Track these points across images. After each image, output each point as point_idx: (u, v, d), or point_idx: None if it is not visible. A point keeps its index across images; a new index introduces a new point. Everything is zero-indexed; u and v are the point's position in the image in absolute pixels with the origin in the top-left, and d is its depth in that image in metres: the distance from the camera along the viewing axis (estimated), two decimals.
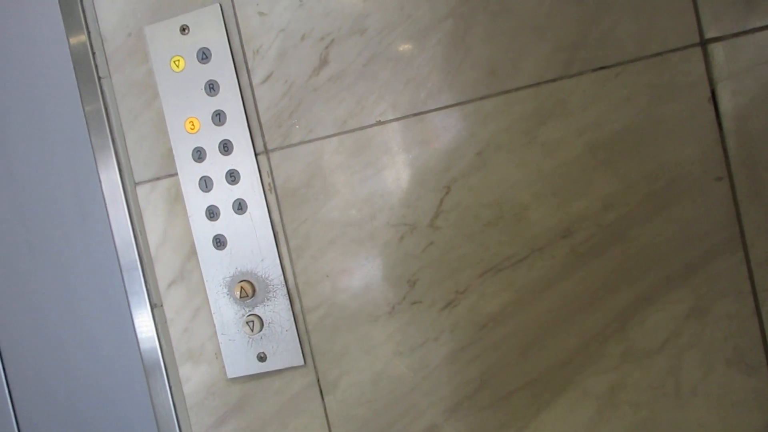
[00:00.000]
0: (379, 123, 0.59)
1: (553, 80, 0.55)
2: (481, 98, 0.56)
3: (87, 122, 0.66)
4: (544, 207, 0.56)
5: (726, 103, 0.52)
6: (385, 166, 0.59)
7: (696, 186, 0.53)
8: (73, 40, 0.65)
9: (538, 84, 0.55)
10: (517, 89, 0.56)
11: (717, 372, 0.54)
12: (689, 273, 0.54)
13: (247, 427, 0.64)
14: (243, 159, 0.62)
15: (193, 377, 0.65)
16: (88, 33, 0.65)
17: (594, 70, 0.54)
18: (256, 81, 0.61)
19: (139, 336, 0.66)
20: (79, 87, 0.66)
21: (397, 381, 0.61)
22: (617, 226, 0.55)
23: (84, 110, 0.66)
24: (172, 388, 0.66)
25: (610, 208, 0.55)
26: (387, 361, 0.61)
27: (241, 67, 0.61)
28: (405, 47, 0.57)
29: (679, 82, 0.53)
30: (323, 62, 0.59)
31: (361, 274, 0.60)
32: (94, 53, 0.65)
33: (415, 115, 0.58)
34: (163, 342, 0.66)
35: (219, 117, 0.62)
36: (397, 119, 0.58)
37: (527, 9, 0.55)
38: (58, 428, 0.71)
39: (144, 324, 0.66)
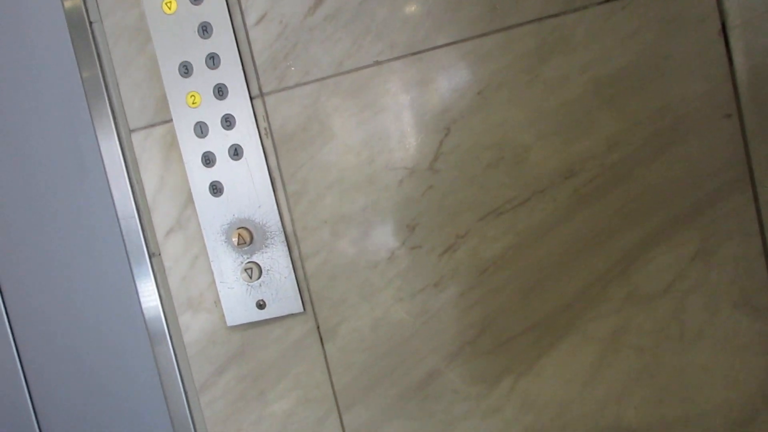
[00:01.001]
0: (377, 63, 0.61)
1: (556, 15, 0.57)
2: (481, 35, 0.58)
3: (79, 69, 0.68)
4: (547, 147, 0.58)
5: (737, 36, 0.53)
6: (383, 108, 0.61)
7: (704, 124, 0.55)
8: None
9: (540, 19, 0.57)
10: (519, 25, 0.57)
11: (722, 315, 0.57)
12: (695, 214, 0.56)
13: (247, 375, 0.68)
14: (238, 103, 0.64)
15: (193, 326, 0.69)
16: None
17: (599, 3, 0.56)
18: (250, 22, 0.63)
19: (138, 286, 0.70)
20: (70, 32, 0.68)
21: (398, 327, 0.64)
22: (622, 166, 0.57)
23: (76, 57, 0.68)
24: (173, 337, 0.70)
25: (614, 148, 0.57)
26: (387, 307, 0.64)
27: (234, 7, 0.63)
28: None
29: (688, 15, 0.54)
30: (318, 1, 0.61)
31: (359, 219, 0.63)
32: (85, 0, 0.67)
33: (413, 54, 0.60)
34: (162, 291, 0.69)
35: (213, 60, 0.64)
36: (395, 59, 0.60)
37: None
38: (62, 379, 0.75)
39: (142, 273, 0.69)
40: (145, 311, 0.69)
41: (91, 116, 0.69)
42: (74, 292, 0.73)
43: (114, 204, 0.69)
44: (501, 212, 0.60)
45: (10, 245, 0.74)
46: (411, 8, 0.59)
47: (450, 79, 0.59)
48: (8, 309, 0.76)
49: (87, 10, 0.67)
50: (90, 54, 0.68)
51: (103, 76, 0.68)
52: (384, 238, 0.63)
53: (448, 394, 0.64)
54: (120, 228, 0.70)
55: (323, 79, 0.62)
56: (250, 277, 0.65)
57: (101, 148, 0.69)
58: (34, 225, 0.73)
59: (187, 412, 0.71)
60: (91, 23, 0.67)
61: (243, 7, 0.63)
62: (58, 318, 0.75)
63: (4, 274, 0.75)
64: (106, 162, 0.69)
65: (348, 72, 0.61)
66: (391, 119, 0.61)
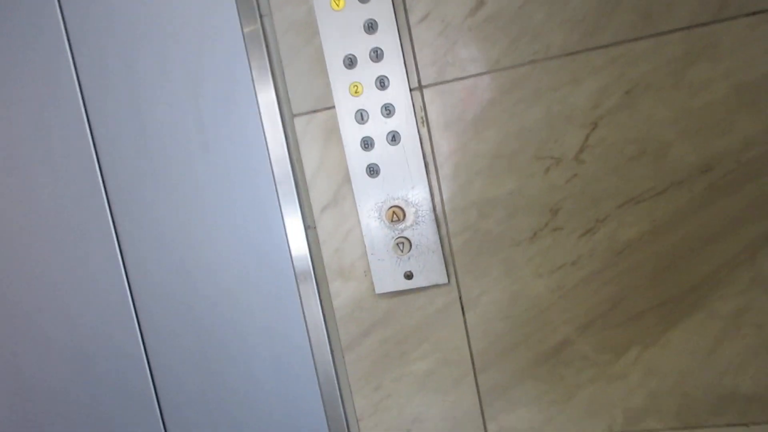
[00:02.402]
0: (532, 62, 0.74)
1: (705, 24, 0.69)
2: (634, 40, 0.71)
3: (248, 58, 0.83)
4: (687, 144, 0.71)
5: None
6: (534, 102, 0.74)
7: None
8: None
9: (690, 27, 0.69)
10: (670, 32, 0.70)
11: None
12: None
13: (391, 338, 0.84)
14: (398, 94, 0.78)
15: (342, 292, 0.85)
16: None
17: (747, 15, 0.68)
18: (413, 20, 0.77)
19: (293, 255, 0.85)
20: (241, 24, 0.83)
21: (535, 299, 0.79)
22: (756, 163, 0.70)
23: (246, 47, 0.83)
24: (323, 302, 0.86)
25: (750, 146, 0.70)
26: (526, 282, 0.79)
27: (399, 6, 0.77)
28: None
29: None
30: (480, 3, 0.74)
31: (506, 202, 0.77)
32: None
33: (567, 54, 0.73)
34: (315, 260, 0.85)
35: (376, 54, 0.78)
36: (550, 58, 0.73)
37: None
38: (204, 342, 0.92)
39: (298, 244, 0.85)
40: (298, 278, 0.85)
41: (257, 101, 0.83)
42: (232, 261, 0.90)
43: (275, 181, 0.85)
44: (640, 201, 0.73)
45: (171, 217, 0.90)
46: (568, 12, 0.72)
47: (600, 79, 0.72)
48: (132, 286, 0.92)
49: (258, 4, 0.81)
50: (259, 44, 0.82)
51: (271, 65, 0.82)
52: (528, 219, 0.77)
53: (577, 360, 0.79)
54: (279, 202, 0.85)
55: (480, 74, 0.76)
56: (402, 251, 0.81)
57: (265, 130, 0.84)
58: (200, 197, 0.89)
59: (333, 368, 0.87)
60: (261, 16, 0.82)
61: (408, 6, 0.76)
62: (213, 286, 0.91)
63: (166, 250, 0.91)
64: (269, 142, 0.84)
65: (504, 69, 0.75)
66: (542, 113, 0.74)
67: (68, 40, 0.90)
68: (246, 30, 0.81)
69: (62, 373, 0.99)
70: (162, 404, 0.96)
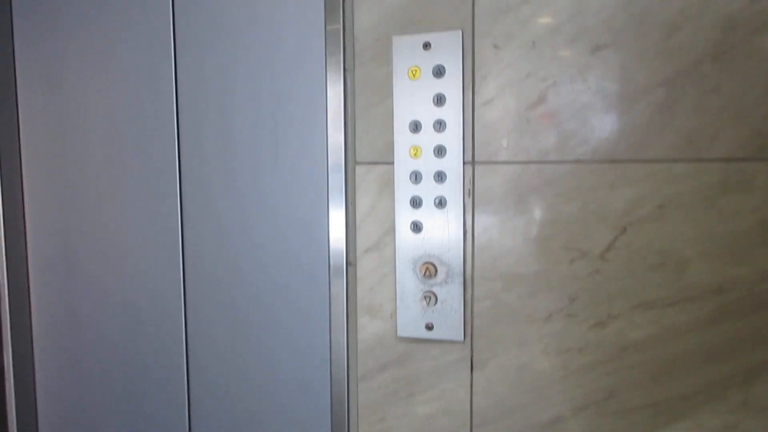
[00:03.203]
0: (578, 162, 0.85)
1: (744, 159, 0.79)
2: (675, 161, 0.81)
3: (327, 104, 0.98)
4: (706, 264, 0.81)
5: None
6: (573, 198, 0.86)
7: None
8: (330, 28, 0.96)
9: (729, 160, 0.79)
10: (710, 160, 0.80)
11: None
12: None
13: (402, 378, 0.97)
14: (452, 164, 0.91)
15: (367, 327, 0.98)
16: (344, 30, 0.95)
17: None
18: (478, 102, 0.89)
19: (331, 286, 0.99)
20: (326, 75, 0.97)
21: (539, 374, 0.90)
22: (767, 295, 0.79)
23: (326, 94, 0.97)
24: (349, 332, 1.00)
25: (766, 280, 0.79)
26: (534, 356, 0.90)
27: (468, 87, 0.89)
28: (617, 102, 0.82)
29: None
30: (540, 99, 0.86)
31: (530, 281, 0.89)
32: (344, 48, 0.96)
33: (611, 162, 0.84)
34: (350, 294, 0.99)
35: (440, 125, 0.91)
36: (595, 162, 0.84)
37: (737, 93, 0.78)
38: (235, 354, 1.08)
39: (338, 277, 0.99)
40: (332, 308, 0.99)
41: (327, 146, 0.98)
42: (276, 293, 1.05)
43: (328, 218, 0.99)
44: (651, 307, 0.84)
45: (239, 216, 1.06)
46: (620, 124, 0.83)
47: (637, 189, 0.83)
48: (188, 309, 1.08)
49: (344, 59, 0.96)
50: (338, 95, 0.97)
51: (345, 115, 0.96)
52: (546, 301, 0.88)
53: None
54: (328, 234, 0.99)
55: (528, 162, 0.87)
56: (428, 303, 0.93)
57: (329, 172, 0.98)
58: (257, 236, 1.04)
59: (346, 393, 1.01)
60: (345, 70, 0.96)
61: (476, 89, 0.89)
62: (247, 314, 1.06)
63: (216, 270, 1.07)
64: (330, 184, 0.98)
65: (551, 162, 0.86)
66: (578, 209, 0.85)
67: (175, 63, 1.07)
68: (329, 80, 0.96)
69: (113, 333, 1.17)
70: (191, 397, 1.12)
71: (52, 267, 1.20)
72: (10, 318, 1.21)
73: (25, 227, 1.22)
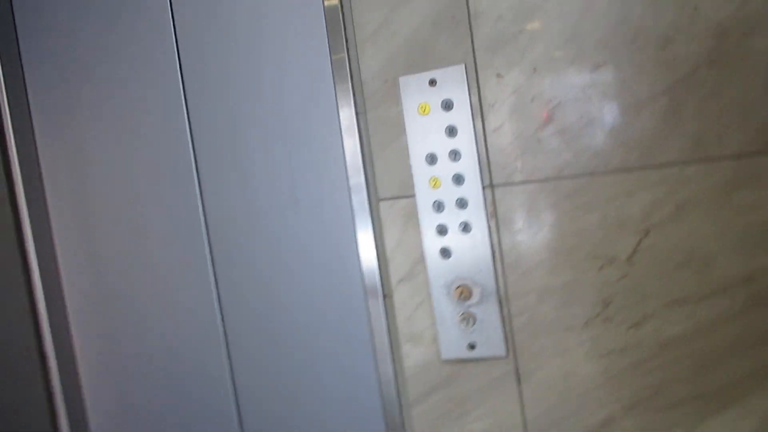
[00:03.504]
0: (593, 174, 0.90)
1: (753, 154, 0.83)
2: (685, 163, 0.86)
3: (343, 149, 1.03)
4: (731, 257, 0.85)
5: None
6: (592, 209, 0.90)
7: None
8: (338, 75, 1.01)
9: (738, 156, 0.83)
10: (719, 158, 0.84)
11: None
12: None
13: (452, 398, 1.02)
14: (472, 190, 0.96)
15: (412, 354, 1.03)
16: (351, 77, 1.01)
17: None
18: (489, 129, 0.94)
19: (372, 322, 1.05)
20: (339, 119, 1.03)
21: (585, 379, 0.94)
22: None
23: (342, 138, 1.03)
24: (395, 361, 1.05)
25: None
26: (577, 363, 0.94)
27: (477, 116, 0.94)
28: (622, 114, 0.86)
29: None
30: (549, 119, 0.91)
31: (562, 291, 0.93)
32: (354, 93, 1.01)
33: (624, 170, 0.88)
34: (390, 325, 1.04)
35: (455, 155, 0.96)
36: (609, 172, 0.89)
37: (737, 93, 0.82)
38: (282, 390, 1.13)
39: (375, 308, 1.05)
40: (375, 340, 1.04)
41: (349, 188, 1.03)
42: (318, 327, 1.10)
43: (359, 255, 1.04)
44: (684, 303, 0.88)
45: (267, 255, 1.12)
46: (627, 134, 0.87)
47: (653, 194, 0.87)
48: (230, 347, 1.14)
49: (356, 104, 1.01)
50: (353, 136, 1.02)
51: (362, 155, 1.02)
52: (581, 309, 0.93)
53: None
54: (361, 271, 1.05)
55: (545, 180, 0.92)
56: (467, 324, 0.98)
57: (354, 210, 1.03)
58: (290, 250, 1.10)
59: (400, 420, 1.06)
60: (357, 114, 1.01)
61: (485, 116, 0.94)
62: (293, 347, 1.12)
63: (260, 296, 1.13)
64: (356, 220, 1.04)
65: (567, 178, 0.91)
66: (598, 219, 0.90)
67: (187, 109, 1.14)
68: (343, 123, 1.01)
69: (156, 366, 1.23)
70: (244, 426, 1.19)
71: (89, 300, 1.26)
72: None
73: (58, 270, 1.29)
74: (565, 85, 0.87)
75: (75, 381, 1.30)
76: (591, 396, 0.92)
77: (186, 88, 1.13)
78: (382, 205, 0.99)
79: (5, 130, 1.24)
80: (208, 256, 1.15)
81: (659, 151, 0.83)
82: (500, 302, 0.94)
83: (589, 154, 0.87)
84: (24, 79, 1.25)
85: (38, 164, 1.26)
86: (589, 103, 0.86)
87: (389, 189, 0.99)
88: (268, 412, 1.16)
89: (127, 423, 1.28)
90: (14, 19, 1.24)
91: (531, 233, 0.91)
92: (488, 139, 0.92)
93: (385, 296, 1.02)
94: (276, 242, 1.10)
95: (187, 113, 1.13)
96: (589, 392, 0.92)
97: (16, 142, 1.23)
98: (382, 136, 0.98)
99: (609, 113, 0.85)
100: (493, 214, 0.93)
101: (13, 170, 1.23)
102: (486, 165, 0.93)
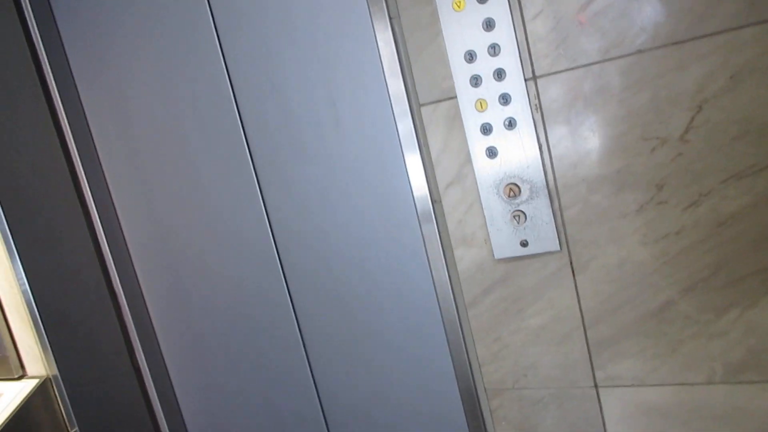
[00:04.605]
0: (639, 52, 0.89)
1: None
2: (740, 27, 0.84)
3: (380, 56, 1.04)
4: None
5: None
6: (642, 89, 0.90)
7: None
8: None
9: None
10: None
11: None
12: None
13: (509, 296, 1.06)
14: (514, 84, 0.97)
15: (465, 257, 1.07)
16: None
17: None
18: (528, 17, 0.94)
19: (422, 225, 1.08)
20: (373, 26, 1.04)
21: (640, 265, 0.96)
22: None
23: (377, 46, 1.04)
24: (448, 266, 1.09)
25: None
26: (632, 249, 0.96)
27: (514, 5, 0.94)
28: None
29: None
30: (589, 0, 0.90)
31: (613, 179, 0.94)
32: None
33: (674, 44, 0.87)
34: (441, 230, 1.08)
35: (494, 49, 0.97)
36: (657, 47, 0.88)
37: None
38: (339, 305, 1.19)
39: (426, 216, 1.08)
40: (427, 245, 1.08)
41: (389, 96, 1.05)
42: (370, 240, 1.15)
43: (405, 163, 1.07)
44: (742, 176, 0.88)
45: (313, 180, 1.16)
46: (674, 4, 0.85)
47: (705, 65, 0.86)
48: (285, 267, 1.20)
49: (387, 7, 1.02)
50: (389, 43, 1.03)
51: (400, 62, 1.03)
52: (634, 194, 0.94)
53: (680, 319, 0.96)
54: (409, 180, 1.08)
55: (590, 65, 0.92)
56: (518, 222, 1.01)
57: (396, 119, 1.06)
58: (334, 170, 1.14)
59: (458, 322, 1.11)
60: (390, 18, 1.02)
61: (522, 4, 0.93)
62: (350, 255, 1.17)
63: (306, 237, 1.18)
64: (400, 129, 1.06)
65: (613, 59, 0.90)
66: (648, 98, 0.90)
67: (219, 42, 1.17)
68: (377, 30, 1.02)
69: (222, 309, 1.32)
70: (307, 347, 1.27)
71: (161, 280, 1.35)
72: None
73: (124, 238, 1.37)
74: None
75: (145, 315, 1.40)
76: (647, 281, 0.95)
77: (216, 18, 1.15)
78: (424, 110, 1.01)
79: (47, 80, 1.30)
80: (257, 186, 1.20)
81: (710, 19, 0.82)
82: (550, 196, 0.96)
83: (634, 32, 0.86)
84: (59, 31, 1.29)
85: (83, 109, 1.32)
86: None
87: (430, 93, 1.00)
88: (326, 325, 1.23)
89: (195, 348, 1.38)
90: None
91: (578, 122, 0.92)
92: (527, 29, 0.92)
93: (434, 202, 1.05)
94: (320, 163, 1.14)
95: (220, 44, 1.16)
96: (645, 278, 0.95)
97: (59, 92, 1.28)
98: (417, 39, 0.99)
99: None
100: (537, 106, 0.94)
101: (60, 118, 1.30)
102: (527, 56, 0.93)
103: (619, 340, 0.98)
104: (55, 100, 1.28)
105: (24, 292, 1.21)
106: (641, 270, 0.94)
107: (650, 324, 0.95)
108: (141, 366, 1.41)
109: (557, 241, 0.97)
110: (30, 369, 1.30)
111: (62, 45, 1.29)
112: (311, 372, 1.27)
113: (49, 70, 1.27)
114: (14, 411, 1.16)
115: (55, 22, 1.30)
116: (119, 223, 1.36)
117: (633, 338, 0.97)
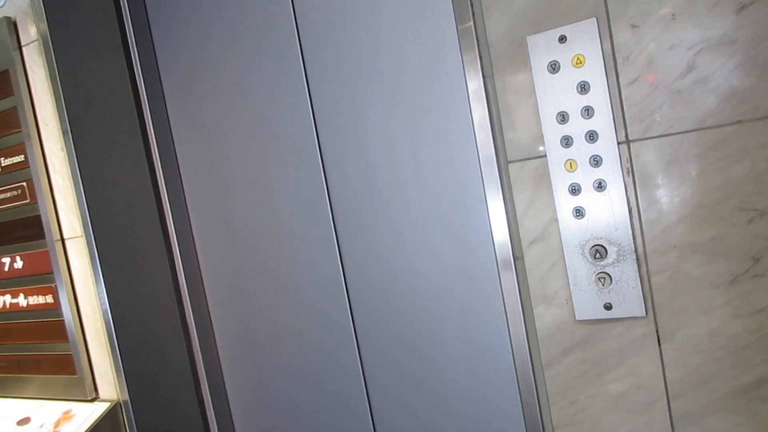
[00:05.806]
0: (739, 122, 0.91)
1: None
2: None
3: (471, 113, 1.09)
4: None
5: None
6: (740, 159, 0.91)
7: None
8: (464, 41, 1.07)
9: None
10: None
11: None
12: None
13: (588, 360, 1.06)
14: (606, 147, 0.99)
15: (545, 316, 1.08)
16: (477, 40, 1.07)
17: None
18: (623, 82, 0.97)
19: (502, 282, 1.11)
20: (466, 82, 1.09)
21: (732, 338, 0.96)
22: None
23: (469, 102, 1.09)
24: (527, 323, 1.10)
25: None
26: (724, 321, 0.96)
27: (611, 70, 0.97)
28: None
29: None
30: (690, 68, 0.93)
31: (707, 248, 0.95)
32: (480, 56, 1.07)
33: None
34: (521, 287, 1.10)
35: (587, 111, 1.00)
36: (758, 119, 0.90)
37: None
38: (405, 345, 1.21)
39: (506, 274, 1.10)
40: (506, 301, 1.10)
41: (477, 152, 1.09)
42: (445, 293, 1.18)
43: (488, 218, 1.10)
44: None
45: (388, 227, 1.20)
46: None
47: None
48: (348, 288, 1.23)
49: (482, 66, 1.07)
50: (480, 99, 1.08)
51: (490, 118, 1.08)
52: (728, 265, 0.94)
53: None
54: (491, 236, 1.11)
55: (686, 132, 0.94)
56: (602, 284, 1.02)
57: (483, 174, 1.10)
58: (411, 217, 1.18)
59: (533, 381, 1.11)
60: (484, 77, 1.07)
61: (619, 70, 0.97)
62: (414, 313, 1.20)
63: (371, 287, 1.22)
64: (485, 185, 1.10)
65: (710, 128, 0.92)
66: (747, 169, 0.91)
67: (309, 90, 1.25)
68: (470, 87, 1.08)
69: (288, 351, 1.36)
70: (372, 399, 1.29)
71: (229, 300, 1.41)
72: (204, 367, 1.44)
73: (201, 274, 1.45)
74: (707, 30, 0.89)
75: (214, 352, 1.47)
76: (740, 356, 0.94)
77: (306, 66, 1.24)
78: (512, 167, 1.05)
79: (146, 121, 1.41)
80: (333, 231, 1.26)
81: None
82: (638, 261, 0.98)
83: (734, 102, 0.88)
84: (155, 52, 1.41)
85: (174, 147, 1.43)
86: (734, 47, 0.87)
87: (518, 151, 1.04)
88: (394, 379, 1.26)
89: (259, 390, 1.42)
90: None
91: (671, 188, 0.94)
92: (623, 93, 0.95)
93: (515, 259, 1.08)
94: (397, 213, 1.19)
95: (309, 92, 1.24)
96: (737, 352, 0.94)
97: (150, 107, 1.39)
98: (510, 98, 1.04)
99: (757, 57, 0.86)
100: (629, 170, 0.96)
101: (153, 155, 1.40)
102: (621, 120, 0.96)
103: (704, 415, 0.97)
104: (150, 138, 1.39)
105: (105, 318, 1.28)
106: (733, 343, 0.93)
107: (740, 401, 0.94)
108: (205, 399, 1.45)
109: (643, 307, 0.98)
110: (102, 392, 1.37)
111: (162, 91, 1.40)
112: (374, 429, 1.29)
113: (149, 112, 1.38)
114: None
115: (159, 74, 1.41)
116: (197, 260, 1.44)
117: (720, 414, 0.96)
